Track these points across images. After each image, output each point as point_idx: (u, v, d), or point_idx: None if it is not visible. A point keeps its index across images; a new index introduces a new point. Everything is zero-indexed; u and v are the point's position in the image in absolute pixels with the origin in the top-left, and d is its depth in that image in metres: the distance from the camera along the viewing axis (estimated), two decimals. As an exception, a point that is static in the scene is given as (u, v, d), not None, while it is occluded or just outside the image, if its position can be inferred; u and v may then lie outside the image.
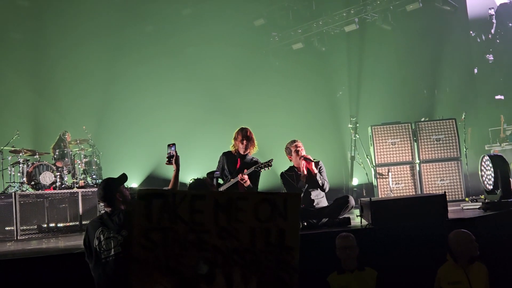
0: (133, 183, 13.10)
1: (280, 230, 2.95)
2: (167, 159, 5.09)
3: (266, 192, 3.13)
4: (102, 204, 5.18)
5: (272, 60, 16.08)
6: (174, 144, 5.11)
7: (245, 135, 6.99)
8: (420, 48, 14.90)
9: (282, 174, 7.05)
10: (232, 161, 7.06)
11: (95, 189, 10.45)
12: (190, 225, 2.99)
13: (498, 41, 15.71)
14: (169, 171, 12.53)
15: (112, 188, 4.58)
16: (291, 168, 7.08)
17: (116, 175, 11.46)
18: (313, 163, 6.83)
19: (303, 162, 6.85)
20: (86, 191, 10.28)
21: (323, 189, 6.83)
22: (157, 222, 3.02)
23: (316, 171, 6.81)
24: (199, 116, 14.09)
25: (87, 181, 10.97)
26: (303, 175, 6.84)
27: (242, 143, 6.98)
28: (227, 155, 7.17)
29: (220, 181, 7.05)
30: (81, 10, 14.12)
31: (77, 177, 10.97)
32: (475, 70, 15.75)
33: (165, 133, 13.56)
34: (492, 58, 15.73)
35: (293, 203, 2.97)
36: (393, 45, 14.89)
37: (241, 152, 7.04)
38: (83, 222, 9.79)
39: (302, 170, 6.84)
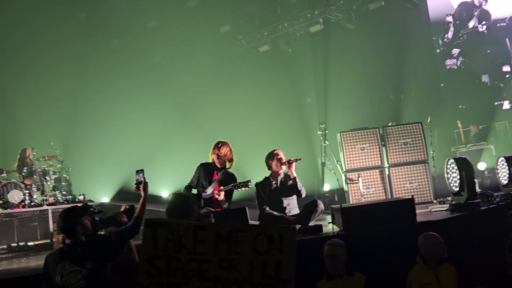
0: (104, 197, 12.95)
1: (276, 262, 3.16)
2: (135, 186, 5.05)
3: (263, 226, 3.37)
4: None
5: (239, 64, 16.08)
6: (142, 170, 5.09)
7: (221, 152, 7.07)
8: (385, 50, 15.17)
9: (256, 185, 7.14)
10: (208, 173, 7.11)
11: (66, 205, 10.33)
12: (193, 255, 3.20)
13: (459, 41, 16.08)
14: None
15: (73, 219, 4.37)
16: (266, 178, 7.21)
17: (86, 190, 11.36)
18: (293, 166, 7.00)
19: (285, 166, 7.03)
20: (56, 208, 10.17)
21: (300, 194, 6.97)
22: (162, 250, 3.23)
23: (295, 174, 7.00)
24: (169, 127, 14.00)
25: (57, 198, 10.82)
26: (292, 177, 7.00)
27: (218, 159, 7.06)
28: (204, 166, 7.22)
29: (194, 191, 7.09)
30: (45, 22, 13.85)
31: (46, 194, 10.81)
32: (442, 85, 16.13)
33: (135, 146, 13.50)
34: (451, 63, 16.11)
35: (288, 237, 3.21)
36: (358, 46, 15.11)
37: (218, 166, 7.09)
38: (54, 240, 9.64)
39: (290, 172, 7.00)
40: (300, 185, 6.97)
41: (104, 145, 13.65)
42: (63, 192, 11.14)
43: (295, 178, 6.98)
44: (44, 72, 13.86)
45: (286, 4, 15.25)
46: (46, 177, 11.09)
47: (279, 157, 7.08)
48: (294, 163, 7.00)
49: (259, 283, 3.16)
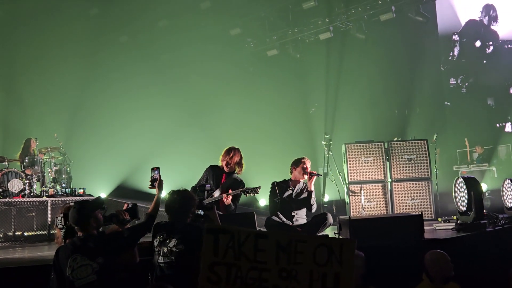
0: (101, 193, 12.89)
1: (336, 274, 3.17)
2: (150, 183, 5.07)
3: (324, 237, 3.36)
4: (60, 219, 4.84)
5: (247, 67, 16.10)
6: (158, 168, 5.10)
7: (232, 160, 7.07)
8: (393, 63, 15.25)
9: (273, 184, 7.16)
10: (217, 175, 7.11)
11: (65, 198, 10.30)
12: (253, 263, 3.20)
13: (463, 61, 16.15)
14: (140, 182, 12.51)
15: (87, 212, 4.38)
16: (285, 181, 7.23)
17: (86, 184, 11.32)
18: (313, 179, 7.04)
19: (308, 177, 7.08)
20: (55, 200, 10.11)
21: (311, 208, 6.97)
22: (222, 257, 3.23)
23: (313, 188, 7.04)
24: (173, 127, 13.99)
25: (56, 190, 10.76)
26: (310, 190, 7.06)
27: (227, 166, 7.06)
28: (213, 169, 7.22)
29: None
30: (55, 15, 13.89)
31: (46, 186, 10.75)
32: (447, 103, 16.16)
33: (137, 144, 13.46)
34: (454, 82, 16.15)
35: (348, 248, 3.22)
36: (366, 57, 15.17)
37: (228, 170, 7.11)
38: (52, 232, 9.60)
39: (309, 184, 7.05)
40: (313, 200, 7.03)
41: (106, 141, 13.63)
42: (63, 185, 11.08)
43: (311, 192, 7.01)
44: (52, 64, 13.87)
45: (298, 11, 15.27)
46: (47, 168, 11.05)
47: (305, 166, 7.10)
48: (315, 177, 7.04)
49: None
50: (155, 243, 4.81)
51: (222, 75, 14.95)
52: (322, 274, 3.17)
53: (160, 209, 4.91)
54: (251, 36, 16.14)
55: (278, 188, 7.06)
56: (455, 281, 5.12)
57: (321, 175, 7.25)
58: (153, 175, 5.07)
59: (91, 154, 13.28)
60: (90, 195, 11.24)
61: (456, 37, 16.26)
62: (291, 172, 7.22)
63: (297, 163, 7.14)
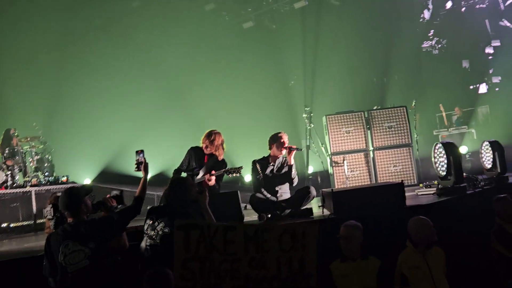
0: (86, 179, 12.82)
1: (300, 258, 3.34)
2: (136, 166, 5.12)
3: (287, 224, 3.49)
4: (48, 210, 4.92)
5: (223, 41, 15.95)
6: (142, 151, 5.16)
7: (209, 142, 7.03)
8: (369, 30, 15.23)
9: (253, 162, 7.15)
10: (199, 157, 7.10)
11: (49, 187, 10.25)
12: (224, 255, 3.33)
13: (436, 22, 16.15)
14: (123, 166, 12.45)
15: (77, 198, 4.45)
16: (265, 158, 7.21)
17: (69, 171, 11.25)
18: (293, 153, 7.01)
19: (287, 151, 7.05)
20: (39, 190, 10.06)
21: (292, 182, 7.02)
22: (195, 252, 3.35)
23: (293, 162, 7.02)
24: (153, 108, 13.89)
25: (39, 179, 10.68)
26: (290, 164, 7.03)
27: (207, 149, 7.03)
28: (195, 150, 7.20)
29: (184, 175, 7.06)
30: (27, 3, 13.58)
31: (29, 175, 10.66)
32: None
33: (119, 127, 13.36)
34: (427, 45, 16.18)
35: (310, 232, 3.36)
36: (342, 25, 15.14)
37: (206, 153, 7.09)
38: (38, 221, 9.58)
39: (289, 158, 7.03)
40: (294, 174, 7.01)
41: (87, 127, 13.52)
42: (46, 173, 11.00)
43: (291, 166, 7.00)
44: (27, 52, 13.62)
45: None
46: (28, 158, 10.95)
47: (282, 140, 7.07)
48: (294, 151, 7.02)
49: (286, 279, 3.31)
50: (145, 226, 4.86)
51: (199, 52, 14.85)
52: (288, 259, 3.31)
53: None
54: (226, 10, 15.96)
55: (259, 165, 7.06)
56: (439, 246, 5.24)
57: (301, 149, 7.23)
58: (138, 158, 5.13)
59: (72, 141, 13.14)
60: (73, 182, 11.17)
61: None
62: (270, 148, 7.20)
63: (275, 138, 7.12)
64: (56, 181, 10.68)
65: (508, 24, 15.20)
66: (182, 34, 14.68)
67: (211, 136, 7.06)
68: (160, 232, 4.72)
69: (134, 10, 14.89)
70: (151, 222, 4.84)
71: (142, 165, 5.06)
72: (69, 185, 10.22)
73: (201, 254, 3.33)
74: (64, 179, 10.81)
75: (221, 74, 14.88)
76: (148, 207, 5.20)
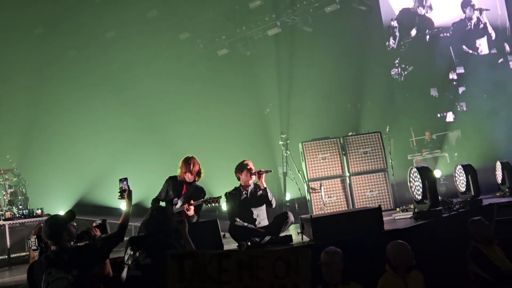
0: (60, 211, 12.62)
1: (293, 285, 3.30)
2: (119, 194, 5.08)
3: (280, 250, 3.49)
4: (33, 240, 4.90)
5: (198, 68, 16.09)
6: (126, 179, 5.11)
7: (188, 168, 7.04)
8: (342, 57, 15.46)
9: (226, 195, 7.13)
10: (177, 186, 7.08)
11: (23, 220, 10.05)
12: (219, 284, 3.29)
13: (401, 50, 16.54)
14: (99, 196, 12.33)
15: (59, 225, 4.42)
16: (236, 189, 7.21)
17: (44, 204, 11.06)
18: (263, 177, 7.01)
19: (255, 177, 7.05)
20: (13, 223, 9.84)
21: (271, 205, 7.02)
22: (189, 281, 3.31)
23: (265, 185, 7.03)
24: (128, 137, 13.84)
25: (13, 213, 10.46)
26: (263, 187, 7.02)
27: (186, 174, 7.03)
28: (173, 180, 7.19)
29: (162, 204, 7.03)
30: (1, 34, 13.53)
31: (2, 209, 10.44)
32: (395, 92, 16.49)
33: (94, 158, 13.24)
34: (394, 73, 16.54)
35: (303, 257, 3.36)
36: (315, 51, 15.33)
37: (188, 180, 7.08)
38: (12, 255, 9.36)
39: (260, 183, 7.02)
40: (271, 196, 7.02)
41: (62, 158, 13.38)
42: (20, 207, 10.78)
43: (265, 188, 7.01)
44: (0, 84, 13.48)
45: (245, 11, 15.36)
46: (1, 191, 10.74)
47: (249, 167, 7.10)
48: (264, 174, 7.03)
49: None
50: (126, 257, 4.80)
51: (175, 80, 14.88)
52: (282, 286, 3.31)
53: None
54: (200, 38, 16.13)
55: (231, 197, 7.07)
56: (417, 269, 5.30)
57: (270, 171, 7.24)
58: (122, 186, 5.08)
59: (46, 172, 12.99)
60: (48, 214, 10.98)
61: (395, 23, 16.59)
62: (238, 179, 7.21)
63: (241, 167, 7.13)
64: (30, 214, 10.46)
65: (469, 51, 15.70)
66: (157, 63, 14.77)
67: (189, 161, 7.07)
68: (141, 263, 4.64)
69: (109, 40, 14.93)
70: (132, 252, 4.79)
71: (125, 192, 5.02)
72: (44, 218, 10.05)
73: (195, 284, 3.29)
74: (39, 211, 10.60)
75: (197, 102, 14.93)
76: (128, 237, 5.15)
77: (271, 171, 7.24)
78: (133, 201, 5.09)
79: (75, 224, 4.66)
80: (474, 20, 15.75)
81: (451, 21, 15.98)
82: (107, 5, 14.04)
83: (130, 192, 5.02)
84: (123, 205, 12.24)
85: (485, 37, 15.67)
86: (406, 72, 16.46)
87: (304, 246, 6.13)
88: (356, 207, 9.67)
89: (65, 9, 13.83)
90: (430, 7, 16.30)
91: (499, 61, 15.17)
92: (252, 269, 3.31)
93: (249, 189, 7.17)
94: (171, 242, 4.75)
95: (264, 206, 7.12)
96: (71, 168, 13.16)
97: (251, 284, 3.30)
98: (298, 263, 3.35)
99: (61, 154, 13.43)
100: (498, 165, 9.39)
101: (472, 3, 15.82)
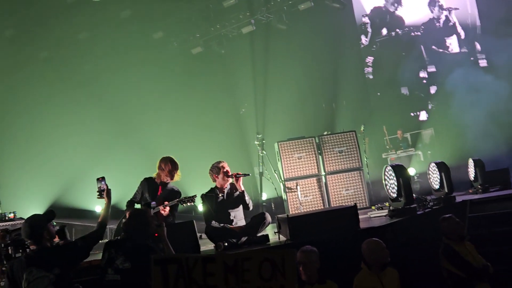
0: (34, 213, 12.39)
1: (280, 286, 3.28)
2: (98, 193, 5.10)
3: (266, 251, 3.47)
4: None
5: (172, 67, 15.94)
6: (103, 178, 5.14)
7: (169, 167, 7.00)
8: (317, 55, 15.54)
9: (202, 196, 7.09)
10: (153, 188, 7.02)
11: (-5, 225, 9.85)
12: None
13: (373, 49, 16.70)
14: (73, 199, 12.17)
15: (39, 226, 4.40)
16: (212, 190, 7.16)
17: (16, 207, 10.85)
18: (241, 180, 6.97)
19: (232, 179, 7.03)
20: (-15, 229, 9.61)
21: (248, 207, 7.02)
22: (173, 287, 3.23)
23: (243, 188, 7.01)
24: (102, 138, 13.66)
25: (-14, 218, 10.26)
26: (241, 191, 6.99)
27: (163, 175, 6.99)
28: (148, 181, 7.13)
29: (137, 206, 6.97)
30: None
31: (-27, 215, 10.23)
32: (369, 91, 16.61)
33: (68, 160, 13.06)
34: (366, 72, 16.70)
35: (289, 259, 3.34)
36: (290, 49, 15.38)
37: (166, 181, 7.04)
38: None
39: (238, 186, 6.99)
40: (248, 199, 7.01)
41: (35, 160, 13.13)
42: (-8, 212, 10.59)
43: (243, 192, 7.00)
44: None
45: (219, 9, 15.27)
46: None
47: (225, 170, 7.06)
48: (241, 177, 7.01)
49: None
50: (103, 261, 4.74)
51: (149, 79, 14.75)
52: None
53: (94, 225, 4.88)
54: (174, 36, 16.06)
55: (208, 199, 7.02)
56: (392, 266, 5.36)
57: (249, 175, 7.23)
58: (100, 186, 5.12)
59: (19, 176, 12.76)
60: (21, 218, 10.79)
61: (366, 19, 16.73)
62: (214, 180, 7.16)
63: (217, 170, 7.07)
64: (2, 218, 10.27)
65: (439, 50, 15.91)
66: (131, 62, 14.58)
67: (167, 162, 7.02)
68: (120, 267, 4.58)
69: (81, 41, 14.73)
70: (109, 256, 4.72)
71: (104, 192, 5.05)
72: (17, 222, 9.88)
73: None
74: (11, 215, 10.41)
75: (172, 102, 14.83)
76: (105, 241, 5.10)
77: (249, 174, 7.23)
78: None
79: (54, 223, 4.66)
80: (443, 19, 15.94)
81: (421, 20, 16.15)
82: (80, 6, 13.85)
83: (109, 191, 5.07)
84: (98, 208, 12.29)
85: (455, 36, 15.87)
86: (378, 71, 16.61)
87: (282, 246, 6.16)
88: (332, 205, 9.74)
89: (36, 10, 13.58)
90: (400, 3, 16.44)
91: (470, 59, 15.38)
92: (238, 272, 3.28)
93: (226, 190, 7.14)
94: (150, 245, 4.71)
95: (241, 207, 7.11)
96: (45, 171, 12.93)
97: (237, 287, 3.26)
98: (284, 264, 3.34)
99: (34, 157, 13.18)
100: (471, 162, 9.57)
101: (439, 3, 16.00)
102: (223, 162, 7.17)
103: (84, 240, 4.63)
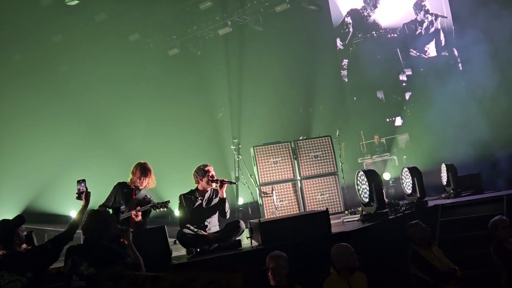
0: (5, 218, 12.17)
1: None
2: (77, 195, 5.23)
3: (211, 273, 3.49)
4: None
5: (149, 68, 15.93)
6: (84, 180, 5.30)
7: (142, 174, 6.94)
8: (293, 60, 15.58)
9: (180, 197, 7.00)
10: (126, 192, 6.96)
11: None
12: None
13: (350, 50, 16.83)
14: (47, 204, 12.01)
15: (9, 230, 4.45)
16: (192, 192, 7.07)
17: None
18: (225, 187, 6.93)
19: (216, 185, 6.96)
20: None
21: (225, 216, 6.98)
22: None
23: (225, 195, 6.95)
24: (76, 142, 13.49)
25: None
26: (223, 197, 6.93)
27: (140, 179, 6.94)
28: (122, 186, 7.04)
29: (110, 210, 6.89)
30: None
31: None
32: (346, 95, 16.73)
33: (41, 164, 12.85)
34: (342, 75, 16.82)
35: (235, 282, 3.33)
36: (267, 52, 15.40)
37: (140, 186, 6.98)
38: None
39: (221, 193, 6.92)
40: (227, 207, 6.95)
41: (6, 164, 12.88)
42: (-37, 216, 10.39)
43: (224, 199, 6.92)
44: None
45: (196, 12, 15.21)
46: None
47: (211, 174, 6.96)
48: (226, 185, 6.95)
49: None
50: (67, 268, 4.65)
51: (124, 82, 14.60)
52: None
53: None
54: (150, 38, 16.01)
55: (186, 201, 6.93)
56: (361, 271, 5.41)
57: (235, 183, 7.17)
58: (80, 188, 5.26)
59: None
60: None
61: (349, 19, 16.85)
62: (197, 182, 7.05)
63: (202, 173, 6.95)
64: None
65: (416, 53, 16.08)
66: (106, 64, 14.41)
67: (141, 167, 6.96)
68: (85, 273, 4.44)
69: (55, 44, 14.55)
70: (72, 262, 4.64)
71: (83, 194, 5.18)
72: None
73: None
74: (-18, 220, 10.24)
75: (148, 104, 14.76)
76: (66, 247, 5.00)
77: (235, 183, 7.18)
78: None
79: (23, 227, 4.67)
80: (426, 24, 16.11)
81: (399, 22, 16.27)
82: (54, 8, 13.70)
83: (88, 194, 5.21)
84: (73, 213, 12.16)
85: (434, 40, 16.03)
86: (353, 74, 16.73)
87: (251, 251, 6.16)
88: (308, 210, 9.77)
89: (10, 13, 13.39)
90: (375, 6, 16.59)
91: (449, 63, 15.54)
92: None
93: (206, 195, 7.04)
94: (114, 249, 4.63)
95: (217, 214, 7.04)
96: (16, 175, 12.68)
97: None
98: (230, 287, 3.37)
99: (6, 161, 12.96)
100: (443, 167, 9.70)
101: (426, 8, 16.14)
102: (209, 166, 7.05)
103: (54, 242, 4.62)
